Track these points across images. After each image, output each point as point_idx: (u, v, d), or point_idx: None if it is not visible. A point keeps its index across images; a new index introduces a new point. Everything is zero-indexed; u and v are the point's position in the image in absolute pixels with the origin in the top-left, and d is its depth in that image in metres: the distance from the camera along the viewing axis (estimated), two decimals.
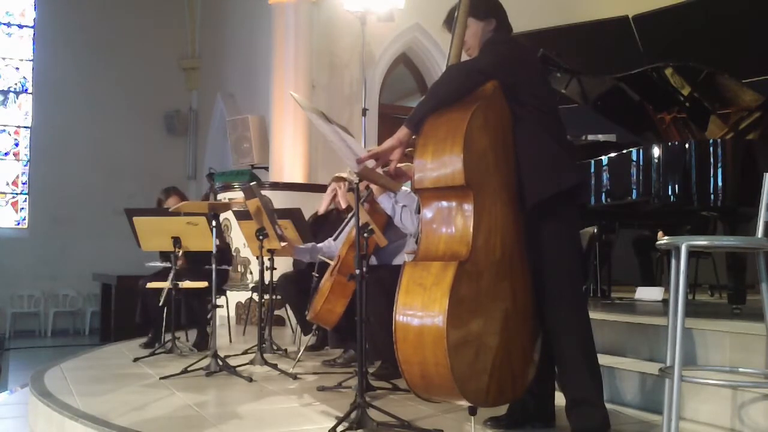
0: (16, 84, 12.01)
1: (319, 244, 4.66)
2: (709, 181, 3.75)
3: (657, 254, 5.92)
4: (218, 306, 4.32)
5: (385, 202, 3.83)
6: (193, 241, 4.64)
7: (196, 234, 4.55)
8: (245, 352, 4.67)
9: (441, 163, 2.45)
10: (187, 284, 4.80)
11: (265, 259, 4.56)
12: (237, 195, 7.02)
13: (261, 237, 4.31)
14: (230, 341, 5.62)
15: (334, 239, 4.59)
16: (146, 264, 5.41)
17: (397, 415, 2.80)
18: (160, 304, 4.68)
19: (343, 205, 4.76)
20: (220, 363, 4.06)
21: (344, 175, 4.60)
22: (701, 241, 2.66)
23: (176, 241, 4.62)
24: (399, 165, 2.76)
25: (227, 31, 10.34)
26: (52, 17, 11.63)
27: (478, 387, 2.40)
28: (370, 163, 2.77)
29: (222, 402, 3.52)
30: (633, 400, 3.20)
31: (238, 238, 6.53)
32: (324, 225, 5.12)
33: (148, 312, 5.09)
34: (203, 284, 4.79)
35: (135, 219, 4.69)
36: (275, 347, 4.86)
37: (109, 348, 5.54)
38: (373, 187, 3.85)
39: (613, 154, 4.23)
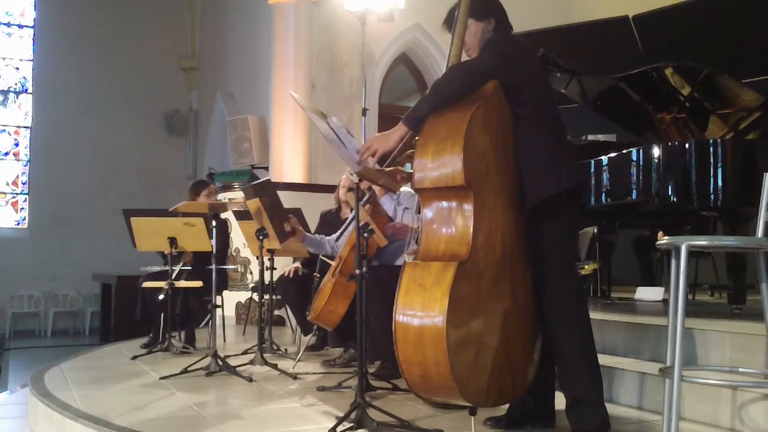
0: (16, 84, 12.00)
1: (327, 237, 4.65)
2: (709, 181, 3.75)
3: (657, 254, 5.92)
4: (218, 306, 4.33)
5: (387, 203, 3.83)
6: (190, 242, 4.65)
7: (192, 234, 4.56)
8: (245, 352, 4.67)
9: (441, 163, 2.45)
10: (182, 283, 4.81)
11: (265, 259, 4.56)
12: (237, 195, 7.03)
13: (261, 237, 4.31)
14: (224, 340, 5.64)
15: (336, 239, 4.58)
16: (141, 269, 5.42)
17: (397, 415, 2.80)
18: (160, 298, 4.69)
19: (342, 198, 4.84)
20: (220, 363, 4.06)
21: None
22: (701, 241, 2.66)
23: (172, 241, 4.63)
24: (389, 169, 2.79)
25: (227, 31, 10.33)
26: (52, 17, 11.62)
27: (478, 387, 2.40)
28: (371, 162, 2.77)
29: (222, 402, 3.52)
30: (633, 400, 3.20)
31: (238, 238, 6.53)
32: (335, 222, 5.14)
33: (148, 309, 5.10)
34: (198, 284, 4.80)
35: (133, 219, 4.70)
36: (275, 347, 4.86)
37: (108, 348, 5.53)
38: (375, 188, 3.85)
39: (613, 154, 4.23)
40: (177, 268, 4.83)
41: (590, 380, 2.58)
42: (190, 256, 4.96)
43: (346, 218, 4.83)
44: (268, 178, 6.09)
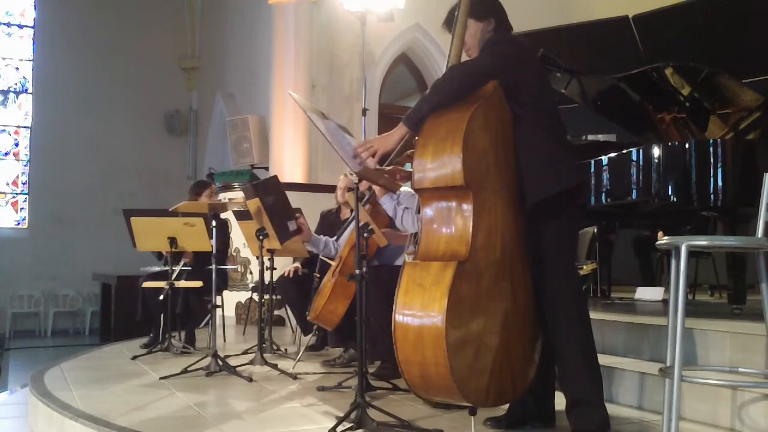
0: (16, 84, 12.01)
1: (332, 238, 4.66)
2: (709, 181, 3.75)
3: (657, 254, 5.92)
4: (218, 306, 4.33)
5: (387, 203, 3.83)
6: (190, 242, 4.65)
7: (192, 234, 4.56)
8: (245, 352, 4.67)
9: (441, 163, 2.44)
10: (182, 283, 4.81)
11: (265, 259, 4.55)
12: (237, 195, 7.03)
13: (261, 237, 4.31)
14: (224, 340, 5.64)
15: (337, 240, 4.58)
16: (141, 269, 5.42)
17: (397, 415, 2.80)
18: (161, 297, 4.69)
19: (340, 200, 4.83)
20: (220, 363, 4.06)
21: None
22: (701, 241, 2.66)
23: (172, 241, 4.63)
24: (389, 168, 2.78)
25: (227, 31, 10.34)
26: (52, 17, 11.62)
27: (478, 387, 2.40)
28: (371, 163, 2.77)
29: (222, 402, 3.52)
30: (633, 400, 3.20)
31: (238, 238, 6.53)
32: (335, 222, 5.13)
33: (148, 309, 5.10)
34: (198, 284, 4.80)
35: (132, 219, 4.70)
36: (275, 347, 4.86)
37: (108, 348, 5.53)
38: (375, 188, 3.85)
39: (613, 154, 4.23)
40: (177, 268, 4.82)
41: (590, 380, 2.58)
42: (191, 256, 4.97)
43: (346, 219, 4.83)
44: (275, 175, 6.09)
